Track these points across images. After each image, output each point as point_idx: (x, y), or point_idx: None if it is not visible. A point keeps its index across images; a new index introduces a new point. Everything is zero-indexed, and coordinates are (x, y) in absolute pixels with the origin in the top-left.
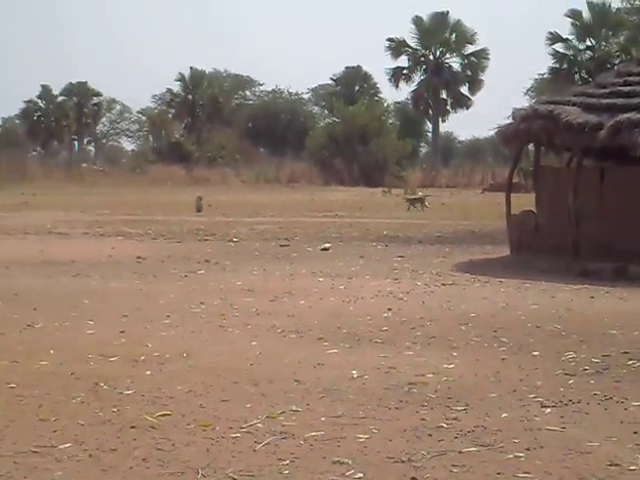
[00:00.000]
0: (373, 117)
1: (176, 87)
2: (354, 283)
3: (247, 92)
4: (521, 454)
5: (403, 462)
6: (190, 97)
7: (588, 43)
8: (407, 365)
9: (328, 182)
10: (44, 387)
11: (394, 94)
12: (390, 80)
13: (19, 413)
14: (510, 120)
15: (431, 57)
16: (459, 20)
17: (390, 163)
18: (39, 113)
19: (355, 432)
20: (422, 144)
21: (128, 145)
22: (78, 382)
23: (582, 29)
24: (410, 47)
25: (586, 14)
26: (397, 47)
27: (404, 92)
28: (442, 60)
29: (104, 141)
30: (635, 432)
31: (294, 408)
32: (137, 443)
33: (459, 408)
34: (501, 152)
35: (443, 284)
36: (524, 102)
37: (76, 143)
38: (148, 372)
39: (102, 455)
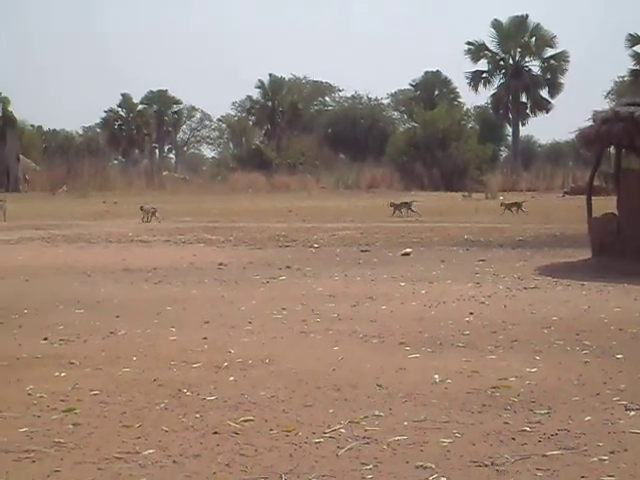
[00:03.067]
0: (453, 121)
1: (256, 94)
2: (435, 287)
3: (326, 98)
4: (605, 457)
5: (486, 466)
6: (270, 104)
7: None
8: (490, 369)
9: (408, 187)
10: (127, 394)
11: (473, 98)
12: (469, 84)
13: (103, 420)
14: (590, 123)
15: (511, 61)
16: (538, 23)
17: (470, 167)
18: (120, 122)
19: (438, 436)
20: (502, 148)
21: (208, 152)
22: (161, 388)
23: None
24: (490, 51)
25: None
26: (476, 51)
27: (483, 96)
28: (522, 63)
29: (185, 149)
30: None
31: (377, 413)
32: (220, 449)
33: (542, 412)
34: (582, 155)
35: (525, 288)
36: (604, 105)
37: (157, 151)
38: (231, 378)
39: (185, 461)
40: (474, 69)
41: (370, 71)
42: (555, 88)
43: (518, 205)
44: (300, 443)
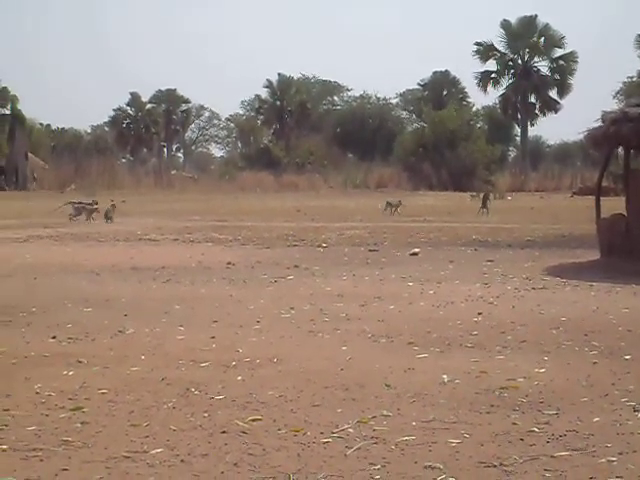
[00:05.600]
0: (462, 122)
1: (264, 93)
2: (444, 287)
3: (335, 97)
4: (614, 458)
5: (495, 467)
6: (278, 103)
7: None
8: (498, 369)
9: (417, 187)
10: (135, 393)
11: (482, 98)
12: (478, 84)
13: (111, 419)
14: (599, 123)
15: (519, 61)
16: (547, 24)
17: (479, 168)
18: (128, 120)
19: (446, 437)
20: (511, 148)
21: (217, 151)
22: (169, 387)
23: None
24: (498, 51)
25: None
26: (485, 51)
27: (492, 96)
28: (530, 64)
29: (193, 148)
30: None
31: (385, 413)
32: (228, 448)
33: (551, 412)
34: (590, 156)
35: (533, 288)
36: (613, 105)
37: (165, 150)
38: (239, 377)
39: (193, 460)
40: (483, 69)
41: (379, 71)
42: (564, 88)
43: (396, 206)
44: (308, 443)
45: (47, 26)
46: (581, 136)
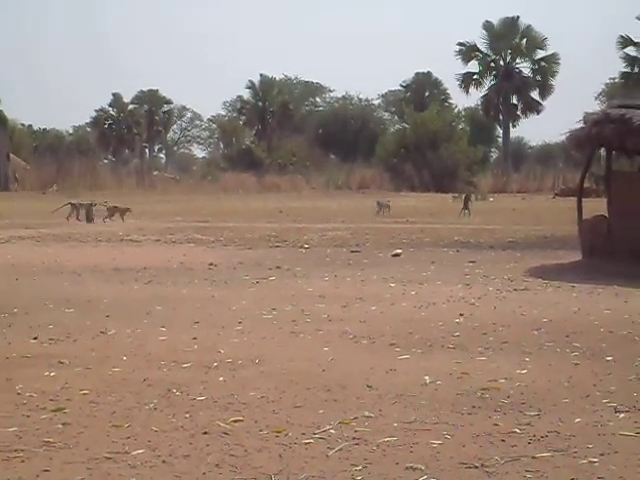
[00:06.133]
0: (444, 123)
1: (246, 94)
2: (426, 289)
3: (317, 99)
4: (595, 459)
5: (476, 468)
6: (260, 104)
7: None
8: (480, 370)
9: (399, 188)
10: (117, 394)
11: (464, 99)
12: (460, 85)
13: (92, 419)
14: (581, 125)
15: (501, 62)
16: (529, 25)
17: (461, 169)
18: (110, 121)
19: (428, 438)
20: (493, 149)
21: (199, 152)
22: (151, 388)
23: None
24: (480, 52)
25: None
26: (467, 52)
27: (474, 97)
28: (512, 65)
29: (175, 149)
30: None
31: (366, 414)
32: (210, 449)
33: (532, 413)
34: (572, 157)
35: (515, 289)
36: (595, 107)
37: (147, 151)
38: (221, 378)
39: (175, 461)
40: (465, 70)
41: (361, 72)
42: (546, 90)
43: (387, 206)
44: (290, 444)
45: (31, 27)
46: (563, 137)
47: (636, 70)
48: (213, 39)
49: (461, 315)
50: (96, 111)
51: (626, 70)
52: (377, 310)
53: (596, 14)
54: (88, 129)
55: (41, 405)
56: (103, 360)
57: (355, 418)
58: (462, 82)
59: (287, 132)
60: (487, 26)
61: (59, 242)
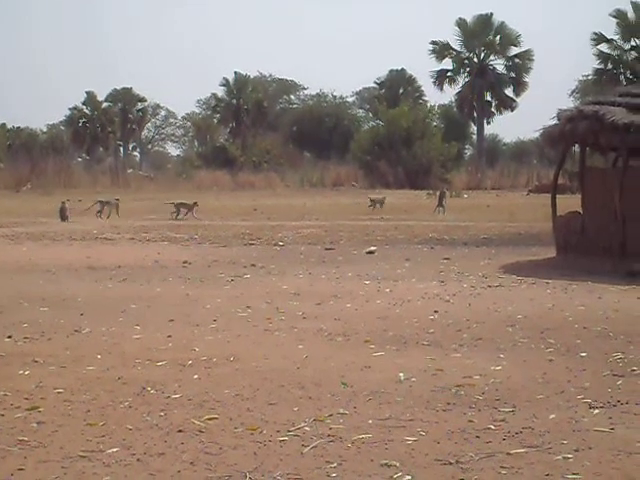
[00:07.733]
0: (416, 119)
1: (220, 92)
2: (400, 286)
3: (292, 96)
4: (570, 455)
5: (451, 464)
6: (235, 102)
7: (633, 43)
8: (454, 367)
9: (373, 185)
10: (91, 392)
11: (438, 97)
12: (434, 83)
13: (67, 418)
14: (555, 121)
15: (475, 59)
16: (503, 22)
17: (435, 166)
18: (84, 119)
19: (403, 434)
20: (467, 146)
21: (173, 150)
22: (125, 387)
23: (627, 29)
24: (454, 50)
25: (631, 14)
26: (441, 50)
27: (448, 94)
28: (486, 62)
29: (149, 147)
30: None
31: (341, 411)
32: (185, 447)
33: (507, 410)
34: (546, 154)
35: (489, 286)
36: (569, 103)
37: (121, 149)
38: (195, 376)
39: (150, 459)
40: (439, 68)
41: (335, 69)
42: (520, 87)
43: (380, 202)
44: (264, 441)
45: (4, 26)
46: (537, 134)
47: (609, 67)
48: (187, 37)
49: (436, 312)
50: (70, 109)
51: (599, 67)
52: (352, 307)
53: (570, 11)
54: (62, 127)
55: (15, 404)
56: (78, 359)
57: (330, 415)
58: (436, 79)
59: (261, 130)
60: (460, 23)
61: (33, 241)
